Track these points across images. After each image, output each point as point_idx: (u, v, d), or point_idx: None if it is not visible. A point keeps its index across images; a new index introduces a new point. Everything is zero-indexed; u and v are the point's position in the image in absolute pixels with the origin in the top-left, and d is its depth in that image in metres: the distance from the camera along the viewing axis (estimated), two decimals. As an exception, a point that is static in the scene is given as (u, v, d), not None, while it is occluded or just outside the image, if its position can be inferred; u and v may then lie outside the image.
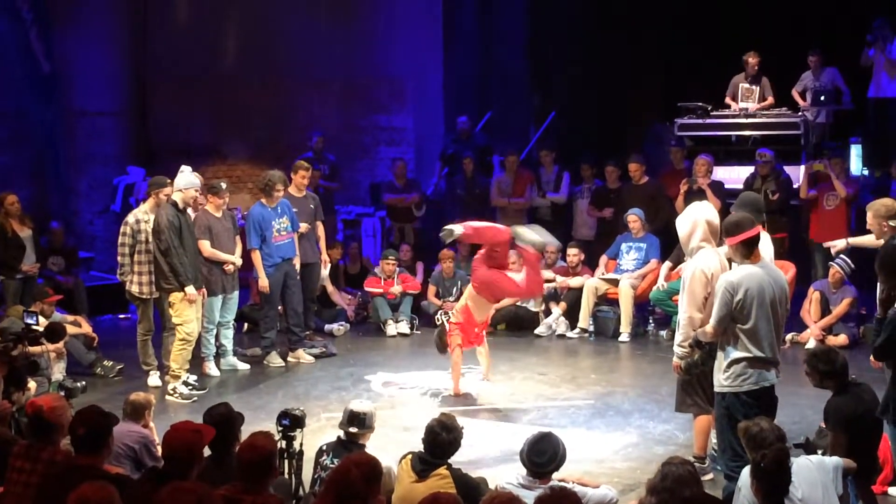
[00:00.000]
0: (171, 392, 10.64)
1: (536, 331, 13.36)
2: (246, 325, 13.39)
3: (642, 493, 6.08)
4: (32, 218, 13.36)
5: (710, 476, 7.96)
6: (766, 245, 8.31)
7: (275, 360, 11.98)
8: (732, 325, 7.17)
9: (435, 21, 17.89)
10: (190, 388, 10.73)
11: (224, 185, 11.64)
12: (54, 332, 7.69)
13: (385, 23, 17.82)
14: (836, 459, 6.46)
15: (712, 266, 7.68)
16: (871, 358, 7.69)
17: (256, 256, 11.71)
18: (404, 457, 6.68)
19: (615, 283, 13.19)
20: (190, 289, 10.62)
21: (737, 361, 7.17)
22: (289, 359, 12.09)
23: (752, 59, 15.22)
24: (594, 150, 15.64)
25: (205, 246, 11.31)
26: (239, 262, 11.59)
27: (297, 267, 12.12)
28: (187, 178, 10.83)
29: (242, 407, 10.06)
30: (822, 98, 15.43)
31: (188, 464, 5.44)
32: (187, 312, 10.66)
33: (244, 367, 11.83)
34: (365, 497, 5.09)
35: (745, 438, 6.23)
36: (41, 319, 10.14)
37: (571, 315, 13.36)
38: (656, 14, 17.38)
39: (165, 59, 17.44)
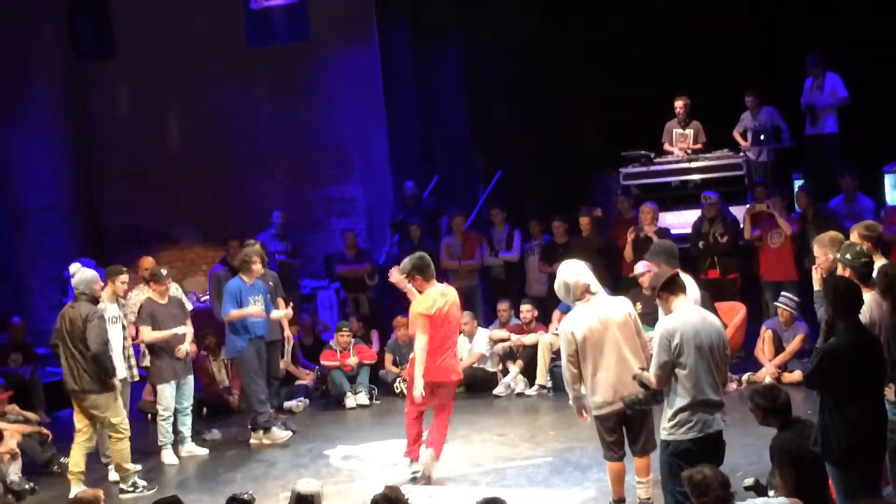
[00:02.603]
0: (132, 489, 10.36)
1: (495, 391, 13.37)
2: (204, 409, 13.29)
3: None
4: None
5: None
6: (691, 288, 8.46)
7: (278, 435, 11.76)
8: (674, 373, 7.24)
9: (376, 91, 18.00)
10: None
11: (165, 272, 11.64)
12: (-9, 436, 7.62)
13: (326, 97, 17.95)
14: (781, 500, 6.49)
15: (573, 326, 8.15)
16: None
17: (236, 314, 11.57)
18: (353, 533, 6.66)
19: (570, 336, 13.18)
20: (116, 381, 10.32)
21: (681, 410, 7.21)
22: (251, 441, 11.97)
23: (678, 103, 15.42)
24: (542, 206, 15.74)
25: (144, 332, 11.33)
26: (184, 330, 11.50)
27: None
28: (89, 274, 10.46)
29: (202, 493, 10.13)
30: (762, 137, 15.59)
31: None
32: (120, 407, 10.38)
33: (202, 451, 11.73)
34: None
35: (689, 486, 6.26)
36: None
37: (529, 372, 13.38)
38: (593, 65, 17.55)
39: (110, 150, 17.53)
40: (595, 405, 8.17)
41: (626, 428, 8.20)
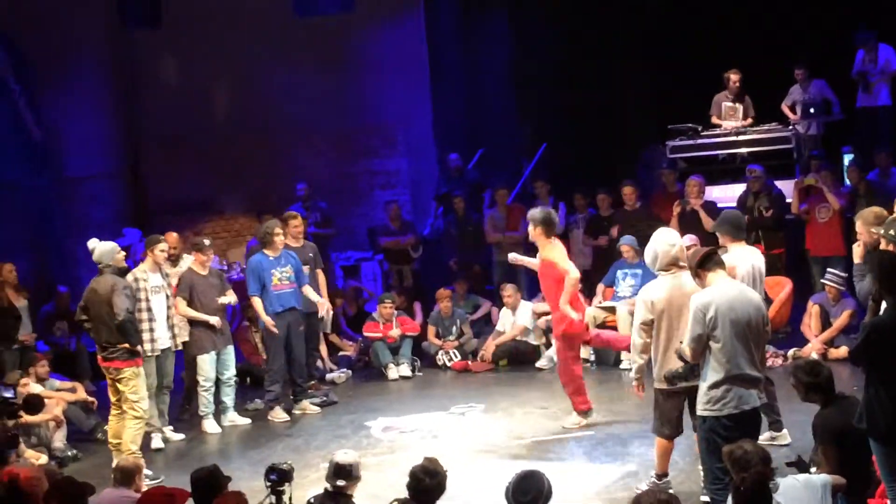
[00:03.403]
0: None
1: (538, 364, 13.32)
2: (248, 379, 13.35)
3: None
4: (28, 288, 13.34)
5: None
6: (755, 258, 8.61)
7: (279, 414, 11.82)
8: (709, 347, 7.19)
9: (421, 63, 17.95)
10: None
11: (208, 242, 11.67)
12: (31, 405, 7.65)
13: (372, 69, 17.88)
14: (823, 477, 6.40)
15: (654, 294, 8.04)
16: None
17: (256, 302, 11.64)
18: (391, 504, 6.65)
19: (613, 310, 13.13)
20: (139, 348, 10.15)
21: (716, 385, 7.18)
22: (294, 411, 12.00)
23: (733, 76, 15.23)
24: (587, 179, 15.62)
25: (180, 305, 11.34)
26: (213, 321, 11.50)
27: (322, 311, 12.09)
28: (108, 246, 10.17)
29: (243, 462, 10.16)
30: (812, 110, 15.38)
31: (162, 528, 5.41)
32: (142, 387, 10.17)
33: (245, 421, 11.78)
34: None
35: (729, 461, 6.18)
36: (36, 387, 10.16)
37: (572, 346, 13.30)
38: (637, 38, 17.40)
39: (156, 119, 17.56)
40: (661, 379, 8.05)
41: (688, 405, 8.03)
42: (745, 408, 7.15)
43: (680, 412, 8.13)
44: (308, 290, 12.07)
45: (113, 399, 10.22)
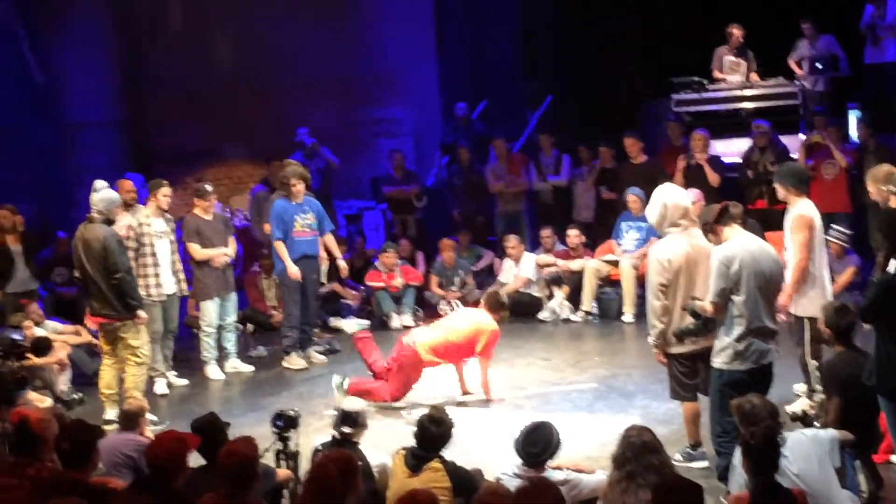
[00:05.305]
0: None
1: (540, 315, 13.34)
2: (250, 326, 13.36)
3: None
4: (30, 235, 13.17)
5: (704, 464, 7.87)
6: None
7: (295, 361, 11.69)
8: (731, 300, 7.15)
9: (426, 11, 17.84)
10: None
11: (209, 188, 11.62)
12: (40, 347, 7.63)
13: (376, 17, 17.75)
14: (831, 432, 6.43)
15: (669, 253, 7.61)
16: None
17: (279, 246, 11.48)
18: (397, 452, 6.68)
19: (616, 264, 13.14)
20: (142, 312, 9.83)
21: (738, 339, 7.14)
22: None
23: (736, 31, 15.12)
24: (592, 132, 15.55)
25: (195, 249, 11.36)
26: (231, 252, 11.55)
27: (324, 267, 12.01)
28: (111, 195, 9.87)
29: (246, 409, 10.18)
30: (819, 66, 15.29)
31: (173, 473, 5.42)
32: (143, 333, 9.93)
33: (247, 368, 11.78)
34: (342, 493, 5.09)
35: (737, 415, 6.20)
36: (39, 330, 10.16)
37: (574, 298, 13.32)
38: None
39: (159, 66, 17.43)
40: (670, 339, 7.66)
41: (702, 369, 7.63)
42: (763, 363, 7.16)
43: (694, 370, 7.73)
44: (329, 240, 11.97)
45: (105, 348, 9.98)
